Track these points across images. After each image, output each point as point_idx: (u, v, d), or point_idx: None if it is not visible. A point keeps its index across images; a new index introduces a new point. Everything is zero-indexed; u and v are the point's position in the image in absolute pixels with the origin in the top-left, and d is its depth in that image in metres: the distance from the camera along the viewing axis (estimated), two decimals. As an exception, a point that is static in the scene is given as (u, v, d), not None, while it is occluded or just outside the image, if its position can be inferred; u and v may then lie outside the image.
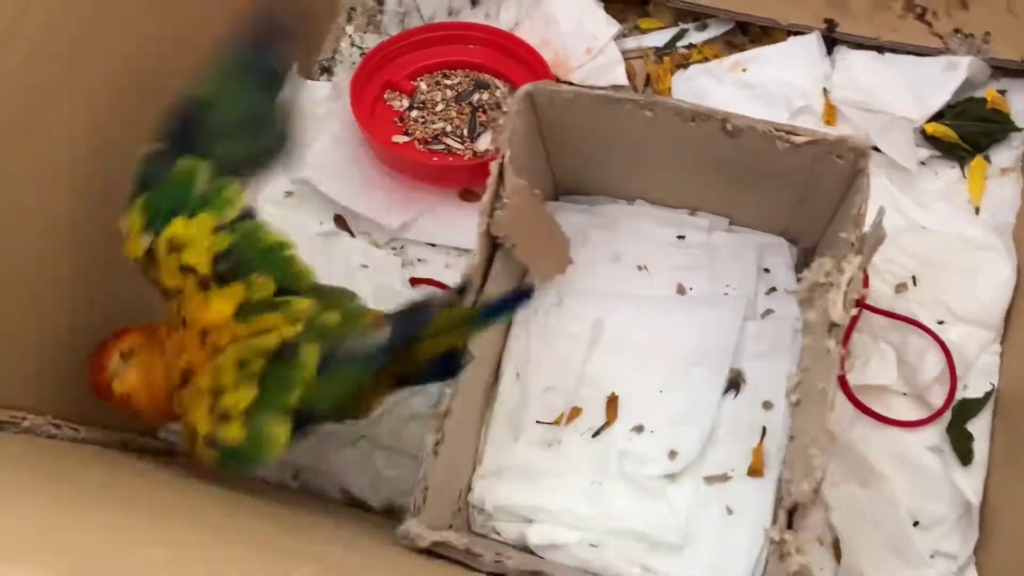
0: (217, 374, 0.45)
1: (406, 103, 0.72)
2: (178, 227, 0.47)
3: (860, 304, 0.60)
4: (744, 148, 0.51)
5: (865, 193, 0.47)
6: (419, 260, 0.68)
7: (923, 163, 0.67)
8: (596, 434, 0.59)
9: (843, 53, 0.70)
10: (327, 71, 0.77)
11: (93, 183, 0.51)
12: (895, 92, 0.67)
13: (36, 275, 0.48)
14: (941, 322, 0.60)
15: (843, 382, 0.59)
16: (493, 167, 0.50)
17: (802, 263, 0.63)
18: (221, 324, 0.46)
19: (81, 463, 0.44)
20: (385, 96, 0.72)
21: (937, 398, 0.58)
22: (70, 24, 0.49)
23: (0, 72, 0.43)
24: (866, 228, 0.47)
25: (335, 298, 0.49)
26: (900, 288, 0.62)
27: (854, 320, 0.60)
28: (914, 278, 0.62)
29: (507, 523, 0.57)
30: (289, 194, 0.70)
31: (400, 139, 0.70)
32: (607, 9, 0.74)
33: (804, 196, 0.56)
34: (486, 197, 0.50)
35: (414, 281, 0.67)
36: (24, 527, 0.27)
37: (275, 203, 0.69)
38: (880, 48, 0.70)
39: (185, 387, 0.46)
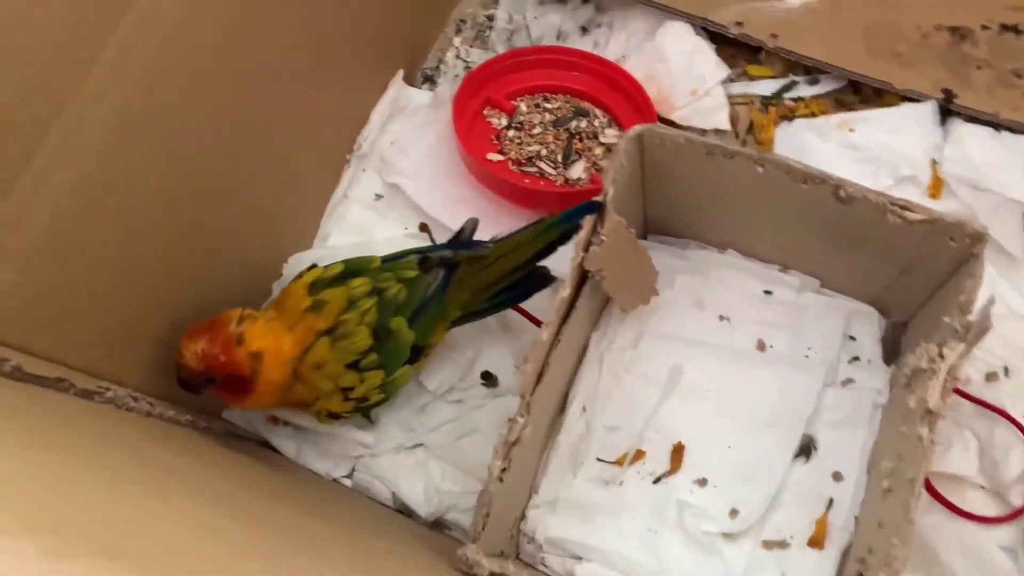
0: (334, 379, 0.53)
1: (504, 122, 0.72)
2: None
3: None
4: (852, 215, 0.50)
5: (978, 280, 0.46)
6: (498, 279, 0.68)
7: (1029, 249, 0.65)
8: (657, 480, 0.57)
9: (957, 125, 0.68)
10: (430, 79, 0.77)
11: (193, 170, 0.52)
12: (1008, 173, 0.65)
13: (139, 256, 0.49)
14: (1031, 416, 0.58)
15: (920, 465, 0.57)
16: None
17: (890, 336, 0.61)
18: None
19: (162, 441, 0.45)
20: (484, 112, 0.72)
21: (1018, 497, 0.56)
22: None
23: (120, 64, 0.44)
24: (972, 316, 0.46)
25: (393, 268, 0.56)
26: (991, 377, 0.59)
27: (955, 390, 0.58)
28: (1006, 369, 0.60)
29: (556, 557, 0.56)
30: (379, 197, 0.70)
31: (494, 157, 0.70)
32: (718, 52, 0.73)
33: (905, 270, 0.54)
34: (584, 232, 0.49)
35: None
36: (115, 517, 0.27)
37: (365, 204, 0.70)
38: (997, 125, 0.67)
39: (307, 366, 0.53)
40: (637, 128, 0.51)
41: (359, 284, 0.54)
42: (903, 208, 0.47)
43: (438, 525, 0.60)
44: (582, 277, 0.53)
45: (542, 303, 0.59)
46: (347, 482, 0.61)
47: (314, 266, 0.57)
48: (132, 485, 0.31)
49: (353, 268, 0.56)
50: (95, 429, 0.37)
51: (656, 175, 0.56)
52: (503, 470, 0.48)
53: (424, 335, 0.56)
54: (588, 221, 0.50)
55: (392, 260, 0.57)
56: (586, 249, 0.50)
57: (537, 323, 0.61)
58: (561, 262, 0.54)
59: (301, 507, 0.47)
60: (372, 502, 0.60)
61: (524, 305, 0.61)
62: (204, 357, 0.48)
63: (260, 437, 0.61)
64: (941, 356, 0.45)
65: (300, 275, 0.56)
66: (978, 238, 0.47)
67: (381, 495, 0.60)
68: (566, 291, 0.49)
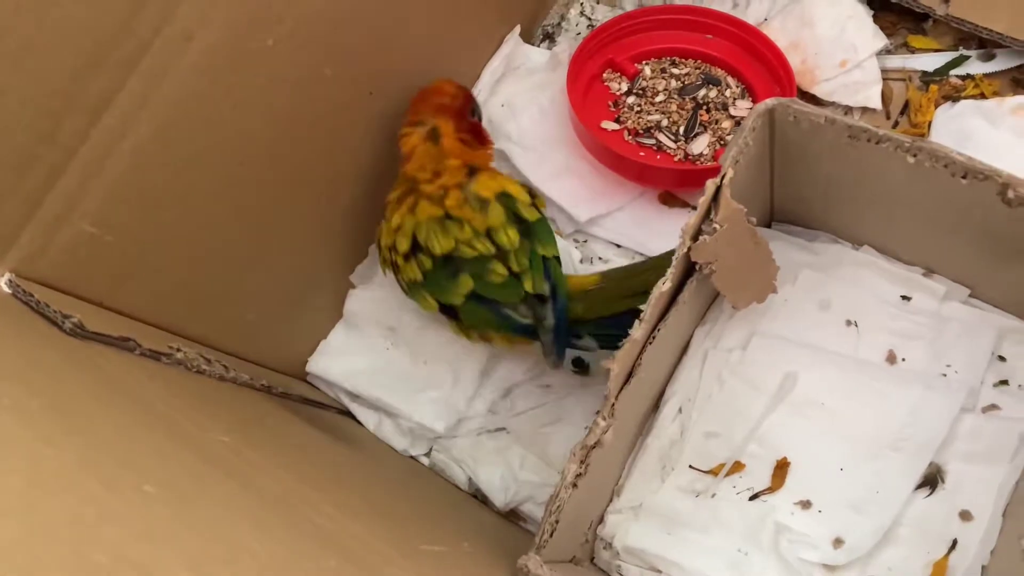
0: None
1: (625, 87, 0.66)
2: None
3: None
4: (1020, 220, 0.42)
5: None
6: (600, 259, 0.63)
7: None
8: (754, 497, 0.52)
9: None
10: (549, 37, 0.73)
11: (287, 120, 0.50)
12: None
13: (218, 210, 0.48)
14: None
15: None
16: (709, 185, 0.44)
17: (1050, 361, 0.52)
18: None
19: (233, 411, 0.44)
20: (604, 76, 0.67)
21: None
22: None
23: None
24: None
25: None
26: None
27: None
28: None
29: (634, 567, 0.52)
30: (486, 161, 0.67)
31: (610, 125, 0.64)
32: (877, 19, 0.65)
33: (1080, 290, 0.46)
34: (694, 219, 0.44)
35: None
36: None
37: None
38: None
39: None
40: (768, 102, 0.45)
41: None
42: (1085, 220, 0.39)
43: (513, 515, 0.57)
44: (689, 267, 0.48)
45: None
46: (425, 460, 0.59)
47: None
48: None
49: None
50: (147, 403, 0.36)
51: (787, 157, 0.49)
52: (578, 475, 0.44)
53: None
54: (702, 205, 0.44)
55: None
56: (695, 238, 0.45)
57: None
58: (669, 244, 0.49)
59: (361, 494, 0.44)
60: (448, 484, 0.57)
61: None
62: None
63: (341, 406, 0.59)
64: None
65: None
66: None
67: (457, 478, 0.58)
68: (666, 284, 0.44)
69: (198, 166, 0.45)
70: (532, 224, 0.54)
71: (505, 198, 0.54)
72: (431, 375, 0.59)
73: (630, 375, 0.46)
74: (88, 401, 0.33)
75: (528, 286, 0.53)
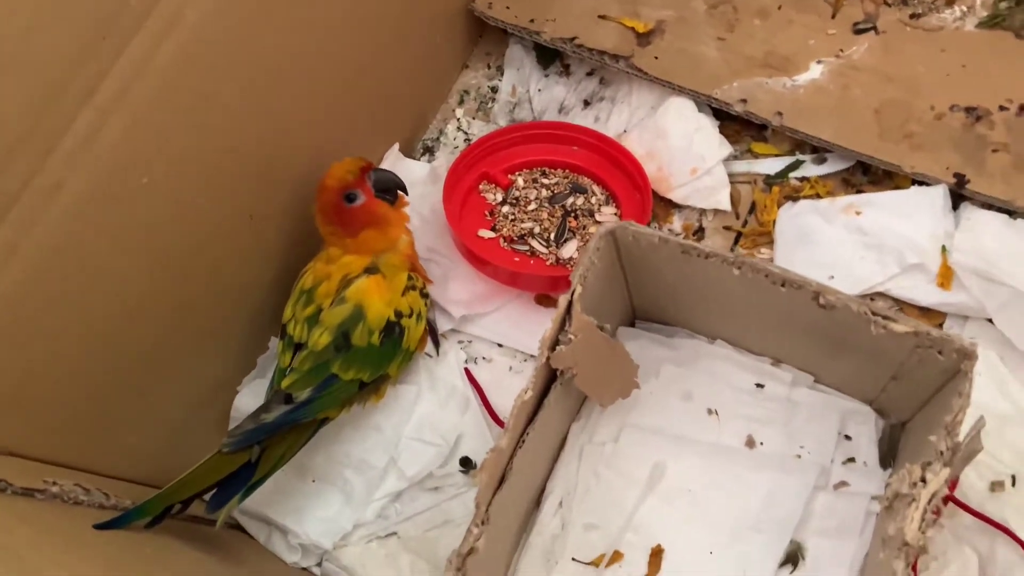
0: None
1: (500, 197, 0.71)
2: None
3: (947, 498, 0.54)
4: (836, 320, 0.47)
5: (965, 401, 0.43)
6: (484, 358, 0.67)
7: (1045, 346, 0.61)
8: (633, 585, 0.55)
9: (969, 211, 0.65)
10: (429, 151, 0.77)
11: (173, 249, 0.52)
12: (1023, 264, 0.62)
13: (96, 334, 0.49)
14: (1038, 535, 0.54)
15: (915, 583, 0.53)
16: (562, 300, 0.48)
17: (887, 437, 0.58)
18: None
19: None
20: (480, 187, 0.71)
21: (1022, 622, 0.52)
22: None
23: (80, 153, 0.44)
24: (961, 437, 0.43)
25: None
26: (996, 487, 0.56)
27: (937, 513, 0.54)
28: (1013, 478, 0.56)
29: (524, 663, 0.54)
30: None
31: (486, 234, 0.69)
32: (722, 129, 0.71)
33: (897, 376, 0.51)
34: (550, 331, 0.48)
35: (470, 378, 0.65)
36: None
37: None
38: (1013, 212, 0.64)
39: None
40: (608, 225, 0.50)
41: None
42: (886, 319, 0.45)
43: (406, 621, 0.58)
44: (551, 374, 0.51)
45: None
46: (316, 571, 0.59)
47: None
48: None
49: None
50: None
51: (635, 268, 0.54)
52: (456, 582, 0.46)
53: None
54: (555, 319, 0.48)
55: None
56: (552, 348, 0.48)
57: (502, 425, 0.59)
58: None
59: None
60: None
61: (493, 403, 0.60)
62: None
63: (232, 520, 0.60)
64: (923, 481, 0.42)
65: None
66: (966, 355, 0.44)
67: (349, 586, 0.59)
68: (527, 394, 0.47)
69: (73, 306, 0.46)
70: (354, 346, 0.57)
71: (354, 316, 0.57)
72: (319, 493, 0.60)
73: (503, 480, 0.49)
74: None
75: (282, 381, 0.56)
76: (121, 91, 0.45)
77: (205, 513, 0.53)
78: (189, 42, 0.48)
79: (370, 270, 0.60)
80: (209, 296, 0.57)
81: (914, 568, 0.53)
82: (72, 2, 0.42)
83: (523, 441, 0.49)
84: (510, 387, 0.63)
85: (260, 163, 0.58)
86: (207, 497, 0.53)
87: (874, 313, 0.45)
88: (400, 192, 0.64)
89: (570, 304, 0.47)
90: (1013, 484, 0.56)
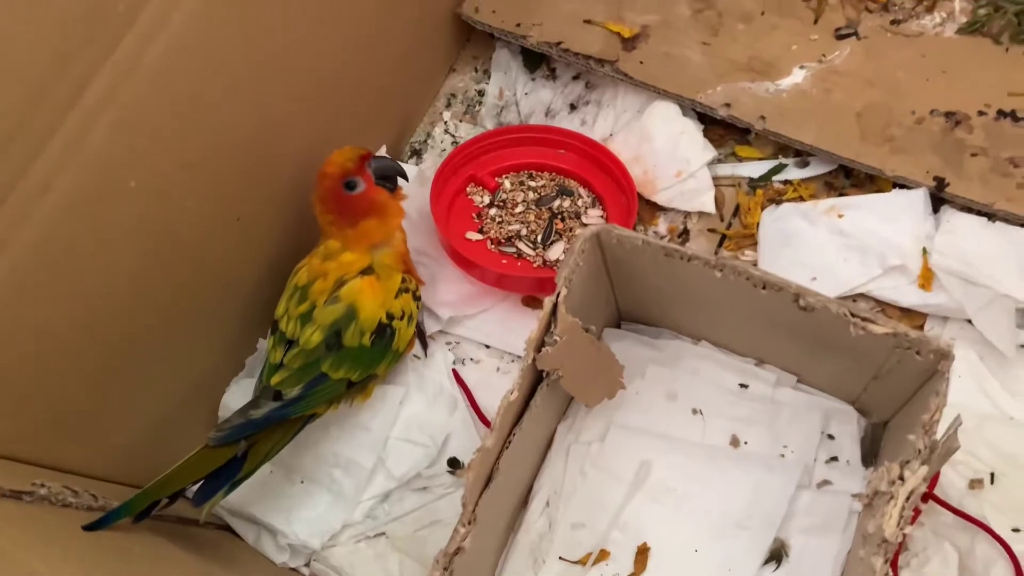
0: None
1: (487, 199, 0.71)
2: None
3: (927, 496, 0.55)
4: (816, 322, 0.48)
5: (942, 400, 0.43)
6: (471, 359, 0.67)
7: (1023, 346, 0.62)
8: (619, 583, 0.55)
9: (949, 214, 0.66)
10: (417, 154, 0.77)
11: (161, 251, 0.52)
12: (1001, 266, 0.63)
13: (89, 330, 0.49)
14: (1016, 530, 0.55)
15: (896, 579, 0.54)
16: (547, 302, 0.48)
17: (869, 436, 0.58)
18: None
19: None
20: (468, 190, 0.72)
21: (1001, 617, 0.53)
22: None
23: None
24: (939, 435, 0.43)
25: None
26: (975, 484, 0.57)
27: (917, 511, 0.55)
28: (992, 475, 0.57)
29: (511, 662, 0.54)
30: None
31: (474, 236, 0.69)
32: (706, 132, 0.72)
33: (878, 376, 0.52)
34: (535, 332, 0.48)
35: (458, 379, 0.66)
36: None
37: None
38: (991, 215, 0.65)
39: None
40: (593, 228, 0.50)
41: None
42: (865, 320, 0.45)
43: (394, 620, 0.58)
44: (537, 375, 0.52)
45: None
46: (305, 571, 0.60)
47: None
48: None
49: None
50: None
51: (620, 270, 0.54)
52: (443, 580, 0.46)
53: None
54: (541, 321, 0.49)
55: None
56: (538, 349, 0.49)
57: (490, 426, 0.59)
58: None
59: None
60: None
61: (480, 404, 0.61)
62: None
63: (220, 521, 0.60)
64: (901, 479, 0.42)
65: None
66: (943, 355, 0.44)
67: (337, 586, 0.59)
68: (513, 395, 0.48)
69: (60, 307, 0.46)
70: (344, 346, 0.57)
71: (347, 316, 0.57)
72: (308, 493, 0.60)
73: (490, 479, 0.49)
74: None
75: (272, 378, 0.56)
76: (109, 93, 0.45)
77: (190, 507, 0.53)
78: (176, 45, 0.48)
79: (366, 272, 0.60)
80: (196, 297, 0.57)
81: (894, 564, 0.54)
82: (59, 5, 0.42)
83: (510, 441, 0.50)
84: (498, 388, 0.63)
85: (248, 165, 0.59)
86: (192, 492, 0.54)
87: (853, 315, 0.45)
88: (400, 180, 0.64)
89: (555, 306, 0.48)
90: (992, 481, 0.56)
